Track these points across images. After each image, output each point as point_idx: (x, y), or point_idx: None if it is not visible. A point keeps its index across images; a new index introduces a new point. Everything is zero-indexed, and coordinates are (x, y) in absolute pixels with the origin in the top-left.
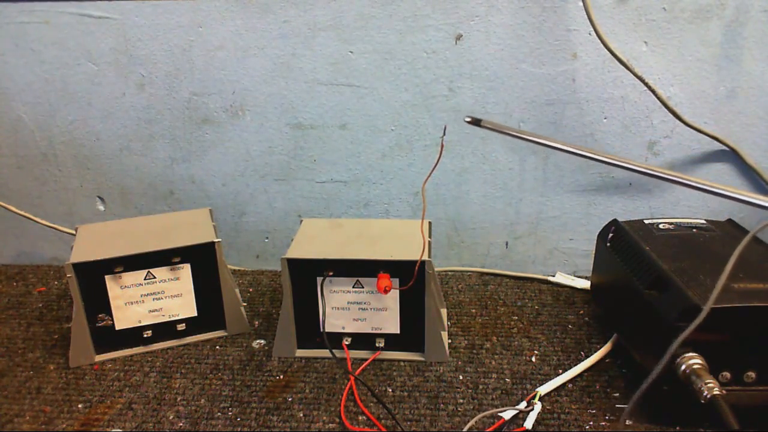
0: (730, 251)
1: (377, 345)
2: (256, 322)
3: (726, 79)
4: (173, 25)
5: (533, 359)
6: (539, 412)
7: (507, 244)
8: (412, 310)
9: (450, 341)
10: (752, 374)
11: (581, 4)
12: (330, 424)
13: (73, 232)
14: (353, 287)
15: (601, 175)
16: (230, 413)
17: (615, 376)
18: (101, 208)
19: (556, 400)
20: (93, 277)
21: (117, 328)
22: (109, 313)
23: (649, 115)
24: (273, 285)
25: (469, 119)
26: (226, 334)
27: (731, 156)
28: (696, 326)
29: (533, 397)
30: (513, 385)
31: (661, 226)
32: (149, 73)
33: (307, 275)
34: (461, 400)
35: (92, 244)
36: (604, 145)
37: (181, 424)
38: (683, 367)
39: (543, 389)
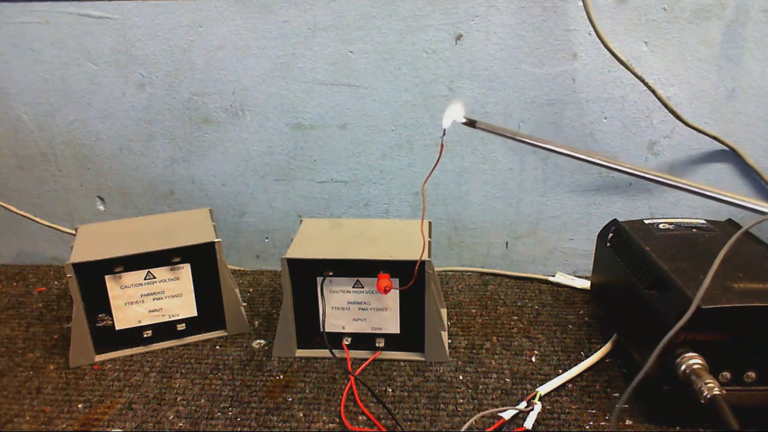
0: (731, 251)
1: (377, 345)
2: (256, 322)
3: (726, 79)
4: (173, 25)
5: (533, 359)
6: (539, 412)
7: (507, 244)
8: (412, 310)
9: (450, 341)
10: (752, 374)
11: (581, 4)
12: (330, 424)
13: (73, 232)
14: (353, 287)
15: (601, 175)
16: (230, 413)
17: (615, 376)
18: (101, 208)
19: (556, 400)
20: (93, 277)
21: (117, 328)
22: (109, 313)
23: (649, 115)
24: (273, 285)
25: (464, 120)
26: (226, 334)
27: (731, 156)
28: (686, 321)
29: (533, 397)
30: (513, 385)
31: (661, 226)
32: (149, 73)
33: (307, 275)
34: (461, 400)
35: (92, 244)
36: (604, 145)
37: (181, 424)
38: (683, 367)
39: (543, 389)
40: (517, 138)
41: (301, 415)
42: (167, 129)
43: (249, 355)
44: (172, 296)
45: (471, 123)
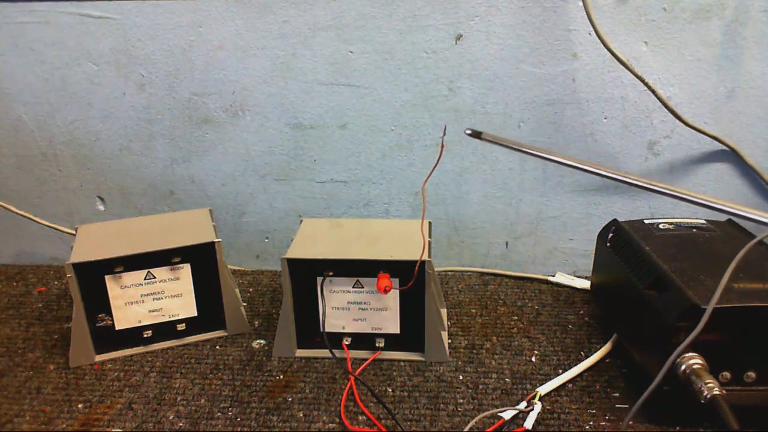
0: (730, 251)
1: (377, 345)
2: (256, 322)
3: (726, 79)
4: (173, 25)
5: (533, 359)
6: (539, 412)
7: (507, 244)
8: (412, 310)
9: (450, 341)
10: (752, 374)
11: (581, 4)
12: (330, 424)
13: (73, 232)
14: (353, 287)
15: None
16: (230, 413)
17: (615, 376)
18: (101, 208)
19: (556, 400)
20: (93, 277)
21: (117, 328)
22: (109, 313)
23: (649, 115)
24: (273, 285)
25: (469, 132)
26: (226, 334)
27: (731, 156)
28: (700, 330)
29: (533, 397)
30: (513, 385)
31: (661, 226)
32: (149, 73)
33: (307, 275)
34: (461, 400)
35: (92, 244)
36: (604, 145)
37: (181, 424)
38: (683, 367)
39: (543, 389)
40: (523, 150)
41: (301, 415)
42: (167, 129)
43: (249, 355)
44: (172, 296)
45: (476, 134)
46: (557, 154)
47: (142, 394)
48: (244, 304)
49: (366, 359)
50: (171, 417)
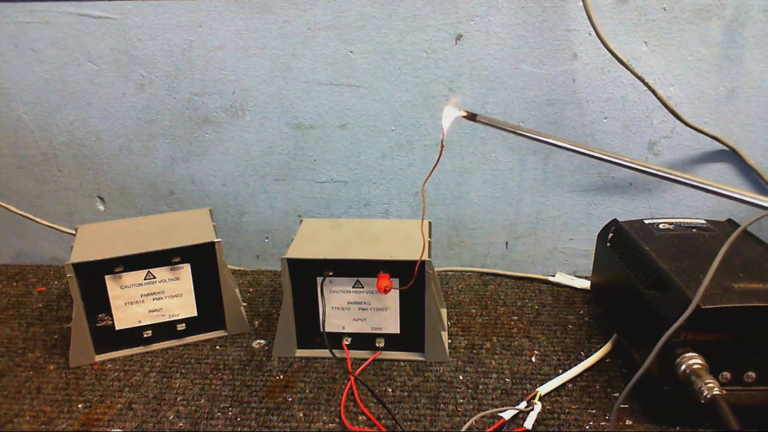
0: (730, 251)
1: (377, 345)
2: (256, 322)
3: (726, 79)
4: (173, 25)
5: (533, 359)
6: (539, 412)
7: (507, 244)
8: (412, 310)
9: (450, 341)
10: (752, 374)
11: (581, 4)
12: (330, 424)
13: (73, 232)
14: (353, 287)
15: (601, 175)
16: (230, 413)
17: (615, 376)
18: (101, 208)
19: (556, 400)
20: (93, 277)
21: (117, 328)
22: (109, 313)
23: (649, 115)
24: (273, 285)
25: (464, 114)
26: (226, 334)
27: (731, 156)
28: (685, 319)
29: (533, 397)
30: (513, 385)
31: (661, 226)
32: (149, 73)
33: (307, 275)
34: (461, 400)
35: (92, 244)
36: (604, 145)
37: (181, 424)
38: (683, 367)
39: (543, 389)
40: (517, 132)
41: (301, 415)
42: (167, 129)
43: (249, 355)
44: (172, 296)
45: (471, 116)
46: (551, 135)
47: (142, 394)
48: (244, 304)
49: (366, 359)
50: (171, 417)
